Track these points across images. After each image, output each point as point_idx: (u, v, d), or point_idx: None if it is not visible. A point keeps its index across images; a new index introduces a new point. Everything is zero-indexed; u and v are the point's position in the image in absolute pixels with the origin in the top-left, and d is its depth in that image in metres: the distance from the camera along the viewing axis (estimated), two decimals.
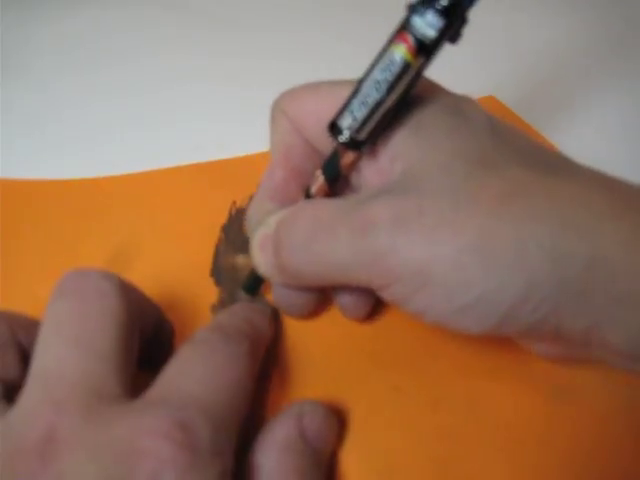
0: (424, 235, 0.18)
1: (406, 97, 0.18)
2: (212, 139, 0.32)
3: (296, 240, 0.20)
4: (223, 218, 0.28)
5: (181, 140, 0.33)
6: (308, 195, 0.21)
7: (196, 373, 0.18)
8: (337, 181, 0.21)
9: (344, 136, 0.19)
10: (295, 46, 0.37)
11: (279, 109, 0.22)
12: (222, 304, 0.25)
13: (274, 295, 0.23)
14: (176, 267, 0.27)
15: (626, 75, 0.39)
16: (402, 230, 0.18)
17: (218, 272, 0.26)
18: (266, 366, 0.23)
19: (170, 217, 0.28)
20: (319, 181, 0.21)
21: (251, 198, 0.25)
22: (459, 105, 0.20)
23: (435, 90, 0.20)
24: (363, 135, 0.18)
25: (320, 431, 0.20)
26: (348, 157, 0.20)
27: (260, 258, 0.21)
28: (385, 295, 0.19)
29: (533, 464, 0.21)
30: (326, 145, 0.21)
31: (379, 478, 0.21)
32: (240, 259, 0.27)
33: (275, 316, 0.25)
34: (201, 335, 0.19)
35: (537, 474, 0.21)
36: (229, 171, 0.30)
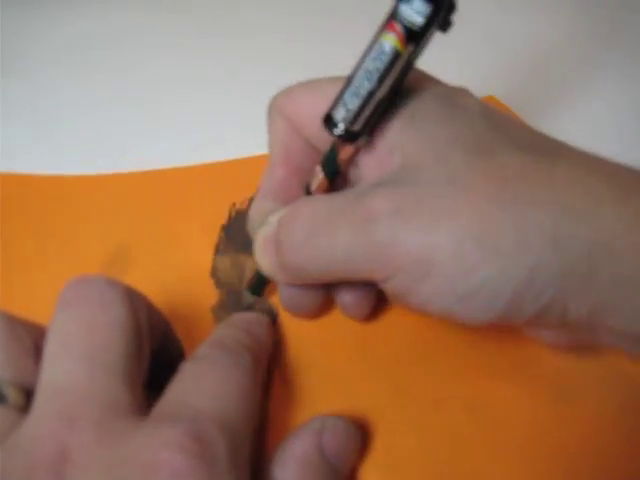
0: (423, 224, 0.18)
1: (399, 87, 0.18)
2: (212, 139, 0.32)
3: (297, 237, 0.20)
4: (223, 220, 0.28)
5: (181, 138, 0.33)
6: (308, 192, 0.21)
7: (203, 387, 0.17)
8: (337, 176, 0.21)
9: (339, 129, 0.19)
10: (295, 48, 0.37)
11: (276, 109, 0.22)
12: (222, 305, 0.25)
13: (280, 295, 0.23)
14: (176, 268, 0.27)
15: (624, 70, 0.39)
16: (402, 221, 0.18)
17: (218, 273, 0.26)
18: (268, 372, 0.23)
19: (170, 218, 0.28)
20: (319, 177, 0.21)
21: (251, 200, 0.26)
22: (453, 95, 0.20)
23: (429, 81, 0.21)
24: (358, 126, 0.18)
25: (339, 448, 0.19)
26: (346, 151, 0.20)
27: (263, 258, 0.21)
28: (388, 288, 0.19)
29: (534, 464, 0.21)
30: (324, 142, 0.21)
31: (379, 477, 0.21)
32: (241, 258, 0.27)
33: (273, 321, 0.24)
34: (201, 352, 0.19)
35: (538, 474, 0.21)
36: (229, 173, 0.30)
